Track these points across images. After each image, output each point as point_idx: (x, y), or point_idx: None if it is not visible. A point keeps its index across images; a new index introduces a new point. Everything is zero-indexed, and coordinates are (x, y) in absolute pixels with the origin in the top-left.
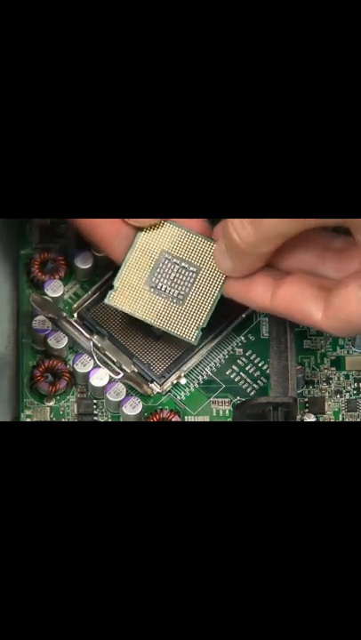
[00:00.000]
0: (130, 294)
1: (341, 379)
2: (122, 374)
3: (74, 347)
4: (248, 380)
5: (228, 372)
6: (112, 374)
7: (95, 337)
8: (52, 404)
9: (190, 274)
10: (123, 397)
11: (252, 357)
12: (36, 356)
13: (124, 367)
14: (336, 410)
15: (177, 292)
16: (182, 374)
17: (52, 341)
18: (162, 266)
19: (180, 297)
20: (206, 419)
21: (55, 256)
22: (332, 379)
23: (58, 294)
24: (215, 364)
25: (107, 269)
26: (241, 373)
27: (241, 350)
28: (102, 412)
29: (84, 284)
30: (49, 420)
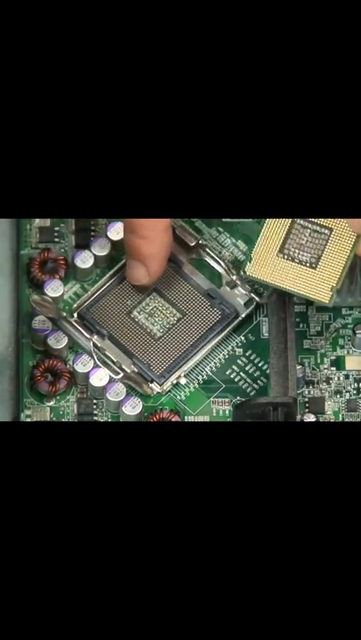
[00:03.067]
0: (265, 264)
1: (341, 379)
2: (122, 374)
3: (74, 347)
4: (248, 380)
5: (228, 372)
6: (112, 374)
7: (95, 337)
8: (52, 404)
9: (322, 236)
10: (123, 397)
11: (252, 357)
12: (36, 355)
13: (124, 367)
14: (336, 410)
15: (310, 255)
16: (182, 374)
17: (51, 341)
18: (294, 232)
19: (313, 260)
20: (206, 419)
21: (55, 256)
22: (332, 379)
23: (58, 294)
24: (215, 363)
25: (107, 269)
26: (241, 373)
27: (241, 350)
28: (102, 412)
29: (84, 284)
30: (49, 420)
